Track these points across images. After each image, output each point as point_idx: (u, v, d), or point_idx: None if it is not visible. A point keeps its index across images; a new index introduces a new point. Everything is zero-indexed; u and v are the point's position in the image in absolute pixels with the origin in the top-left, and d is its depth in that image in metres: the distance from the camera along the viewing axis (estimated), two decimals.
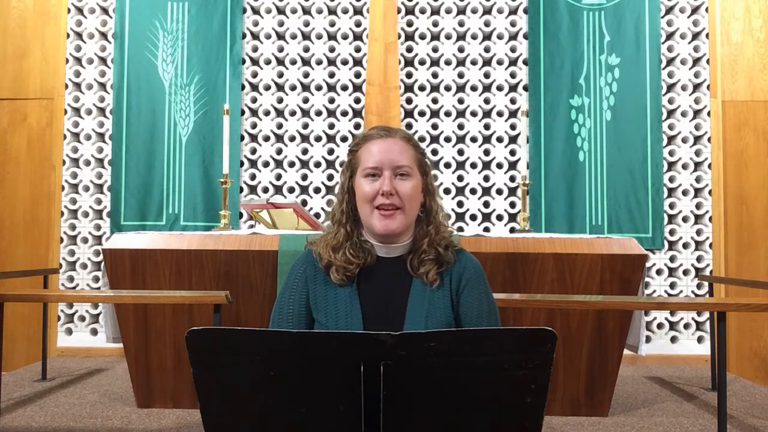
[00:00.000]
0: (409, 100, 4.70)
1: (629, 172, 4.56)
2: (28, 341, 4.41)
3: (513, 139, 4.68)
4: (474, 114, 4.69)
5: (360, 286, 1.48)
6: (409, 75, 4.72)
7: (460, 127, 4.69)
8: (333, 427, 0.92)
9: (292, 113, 4.73)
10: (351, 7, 4.74)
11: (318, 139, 4.70)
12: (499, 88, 4.69)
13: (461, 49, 4.72)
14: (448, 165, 4.67)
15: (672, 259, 4.59)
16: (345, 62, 4.72)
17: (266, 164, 4.70)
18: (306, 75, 4.74)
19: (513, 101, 4.69)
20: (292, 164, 4.71)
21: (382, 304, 1.46)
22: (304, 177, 4.68)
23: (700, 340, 4.55)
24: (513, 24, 4.71)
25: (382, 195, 1.45)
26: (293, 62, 4.74)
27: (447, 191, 4.66)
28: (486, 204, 4.66)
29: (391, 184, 1.45)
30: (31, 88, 4.70)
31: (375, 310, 1.45)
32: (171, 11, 4.69)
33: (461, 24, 4.72)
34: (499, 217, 4.65)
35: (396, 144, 1.50)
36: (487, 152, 4.69)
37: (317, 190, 4.67)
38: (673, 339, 4.57)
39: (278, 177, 4.70)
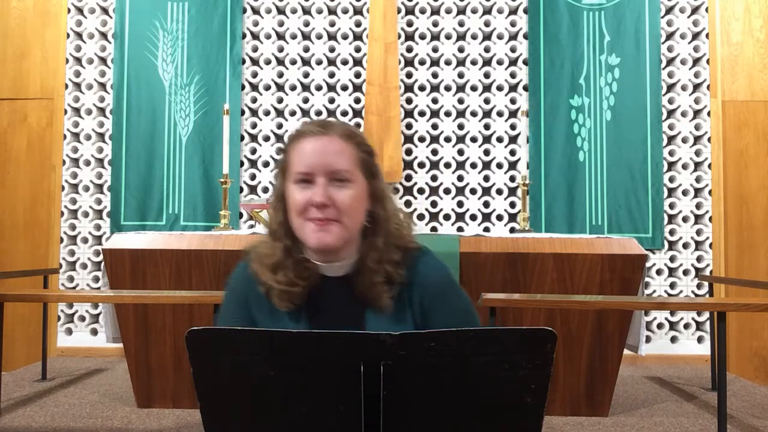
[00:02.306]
0: (409, 100, 4.70)
1: (629, 172, 4.56)
2: (28, 341, 4.41)
3: (513, 139, 4.68)
4: (474, 114, 4.69)
5: (310, 316, 1.27)
6: (409, 75, 4.72)
7: (460, 127, 4.69)
8: (333, 427, 0.92)
9: (292, 113, 4.73)
10: (351, 7, 4.74)
11: None
12: (499, 88, 4.69)
13: (461, 49, 4.72)
14: (448, 165, 4.67)
15: (672, 259, 4.59)
16: (345, 62, 4.72)
17: (266, 164, 4.70)
18: (306, 75, 4.74)
19: (513, 101, 4.69)
20: None
21: None
22: None
23: (700, 340, 4.55)
24: (513, 24, 4.71)
25: (315, 207, 1.22)
26: (293, 62, 4.74)
27: (447, 191, 4.66)
28: (486, 204, 4.66)
29: (324, 193, 1.21)
30: (31, 88, 4.70)
31: None
32: (171, 11, 4.69)
33: (461, 24, 4.72)
34: (499, 217, 4.65)
35: (333, 143, 1.25)
36: (487, 152, 4.69)
37: None
38: (673, 339, 4.57)
39: None
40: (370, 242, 1.27)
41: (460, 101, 4.69)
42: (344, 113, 4.70)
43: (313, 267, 1.27)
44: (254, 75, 4.74)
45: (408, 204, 4.65)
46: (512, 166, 4.67)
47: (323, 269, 1.28)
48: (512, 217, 4.63)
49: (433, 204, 4.66)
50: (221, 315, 1.34)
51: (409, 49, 4.73)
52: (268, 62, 4.74)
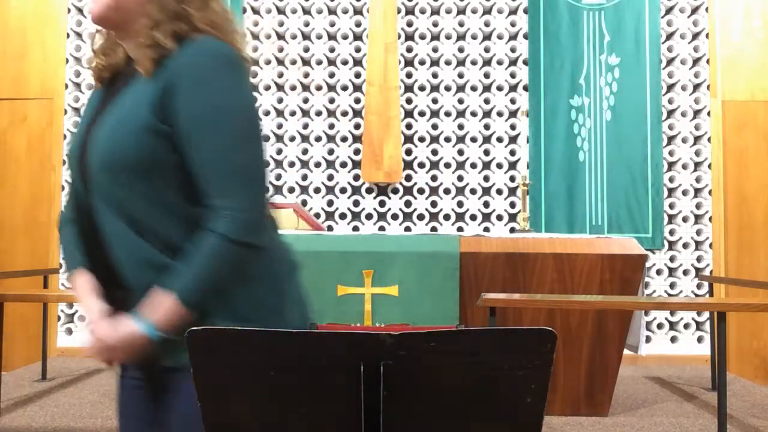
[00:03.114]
0: (409, 100, 4.70)
1: (629, 172, 4.56)
2: (28, 341, 4.41)
3: (513, 139, 4.68)
4: (474, 114, 4.69)
5: (108, 94, 1.25)
6: (409, 75, 4.72)
7: (460, 127, 4.69)
8: (333, 428, 0.92)
9: (292, 113, 4.73)
10: (351, 7, 4.74)
11: (318, 139, 4.70)
12: (499, 88, 4.69)
13: (461, 49, 4.71)
14: (448, 165, 4.66)
15: (672, 259, 4.59)
16: (345, 62, 4.72)
17: (292, 164, 4.70)
18: (306, 75, 4.74)
19: (513, 101, 4.69)
20: (292, 164, 4.71)
21: (103, 115, 1.20)
22: (304, 177, 4.68)
23: (700, 340, 4.55)
24: (513, 24, 4.71)
25: None
26: (293, 62, 4.74)
27: (447, 191, 4.66)
28: (486, 204, 4.66)
29: None
30: (31, 88, 4.70)
31: (97, 123, 1.21)
32: None
33: (461, 24, 4.72)
34: (499, 217, 4.65)
35: None
36: (487, 152, 4.69)
37: (317, 190, 4.67)
38: (673, 339, 4.57)
39: (278, 177, 4.70)
40: (149, 14, 1.16)
41: (460, 101, 4.69)
42: (344, 113, 4.70)
43: (122, 50, 1.24)
44: (254, 75, 4.74)
45: (408, 204, 4.65)
46: (512, 166, 4.67)
47: (130, 51, 1.22)
48: (512, 217, 4.63)
49: (433, 204, 4.66)
50: None
51: (409, 49, 4.73)
52: (268, 62, 4.74)
